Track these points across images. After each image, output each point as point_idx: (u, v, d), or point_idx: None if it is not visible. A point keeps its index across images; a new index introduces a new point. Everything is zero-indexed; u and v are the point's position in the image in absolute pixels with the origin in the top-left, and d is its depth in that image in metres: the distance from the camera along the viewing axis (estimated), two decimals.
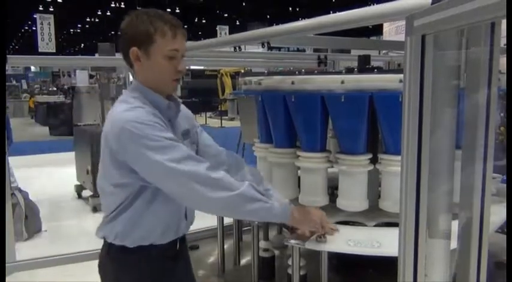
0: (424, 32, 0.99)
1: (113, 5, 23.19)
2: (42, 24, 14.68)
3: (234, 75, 13.12)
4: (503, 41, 1.09)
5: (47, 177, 7.77)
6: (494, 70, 1.08)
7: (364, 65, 2.25)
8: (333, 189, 2.23)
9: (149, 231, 1.61)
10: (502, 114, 1.96)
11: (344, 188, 2.02)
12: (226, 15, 25.30)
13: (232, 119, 14.49)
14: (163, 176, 1.48)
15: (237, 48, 2.81)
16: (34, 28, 19.83)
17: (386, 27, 9.43)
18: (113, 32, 31.58)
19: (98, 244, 1.73)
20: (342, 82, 1.88)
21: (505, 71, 1.03)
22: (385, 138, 1.95)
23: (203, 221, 1.86)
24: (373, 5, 1.92)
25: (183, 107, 1.78)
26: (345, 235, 1.82)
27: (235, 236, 2.56)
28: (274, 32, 2.37)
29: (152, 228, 1.61)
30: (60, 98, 16.16)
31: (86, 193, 6.42)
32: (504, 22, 0.77)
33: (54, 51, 14.74)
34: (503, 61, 1.09)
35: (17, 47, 37.91)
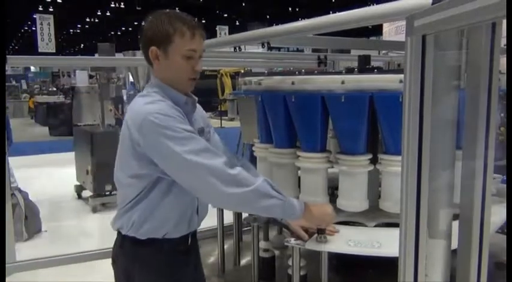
0: (425, 32, 0.99)
1: (112, 5, 23.19)
2: (42, 24, 14.67)
3: (234, 76, 13.13)
4: (503, 41, 1.09)
5: (47, 177, 7.77)
6: (494, 70, 1.08)
7: (365, 65, 2.25)
8: (333, 190, 2.23)
9: (163, 222, 1.65)
10: (502, 115, 1.97)
11: (344, 188, 2.02)
12: (226, 15, 25.31)
13: (232, 119, 14.50)
14: (180, 167, 1.52)
15: (237, 48, 2.81)
16: (34, 28, 19.80)
17: (386, 27, 9.43)
18: (112, 32, 31.63)
19: (97, 244, 1.74)
20: (342, 82, 1.88)
21: (505, 71, 1.03)
22: (386, 138, 1.95)
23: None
24: (373, 5, 1.92)
25: (198, 105, 1.83)
26: (345, 235, 1.82)
27: (235, 236, 2.55)
28: (274, 32, 2.37)
29: (166, 219, 1.65)
30: (60, 98, 16.15)
31: (86, 193, 6.42)
32: (504, 22, 0.77)
33: (54, 51, 14.74)
34: (503, 61, 1.09)
35: (16, 47, 37.91)
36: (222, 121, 13.35)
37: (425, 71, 1.02)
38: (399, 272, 1.12)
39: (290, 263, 1.92)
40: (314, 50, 4.28)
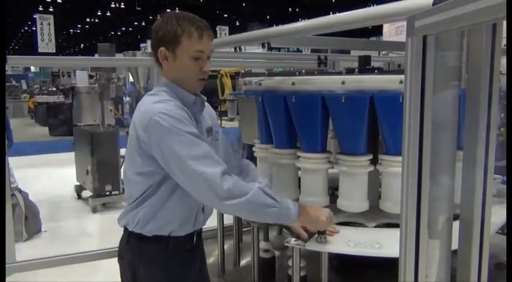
0: (425, 33, 0.99)
1: (112, 5, 23.19)
2: (42, 24, 14.68)
3: (234, 76, 13.13)
4: (503, 41, 1.09)
5: (47, 177, 7.77)
6: (495, 71, 1.08)
7: (365, 66, 2.25)
8: (333, 190, 2.23)
9: (168, 221, 1.68)
10: (502, 115, 1.97)
11: (344, 188, 2.02)
12: (226, 15, 25.31)
13: (232, 120, 14.50)
14: (180, 170, 1.55)
15: (237, 48, 2.81)
16: (34, 28, 19.82)
17: (386, 27, 9.43)
18: (112, 32, 31.63)
19: (97, 244, 1.74)
20: (343, 83, 1.88)
21: (505, 72, 1.03)
22: (386, 139, 1.95)
23: None
24: (374, 5, 1.92)
25: (207, 105, 1.85)
26: (346, 236, 1.82)
27: (235, 237, 2.56)
28: (274, 33, 2.37)
29: (171, 218, 1.68)
30: (60, 99, 16.15)
31: (86, 193, 6.42)
32: (504, 23, 0.77)
33: (54, 51, 14.75)
34: (503, 62, 1.09)
35: (16, 47, 37.91)
36: (222, 121, 13.36)
37: (426, 72, 1.02)
38: (399, 273, 1.13)
39: (290, 263, 1.92)
40: (314, 51, 4.28)
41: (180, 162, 1.52)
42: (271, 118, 2.21)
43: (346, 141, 2.01)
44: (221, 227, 2.52)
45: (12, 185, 4.43)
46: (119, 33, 32.96)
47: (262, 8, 23.94)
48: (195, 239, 1.78)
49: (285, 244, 1.83)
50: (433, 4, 1.14)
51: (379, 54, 5.63)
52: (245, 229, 2.63)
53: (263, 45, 2.49)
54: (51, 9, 22.11)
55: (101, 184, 5.95)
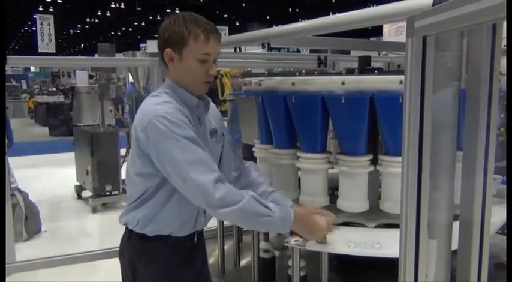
0: (425, 34, 0.99)
1: (112, 5, 23.18)
2: (42, 24, 14.69)
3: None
4: (503, 42, 1.09)
5: (47, 177, 7.77)
6: (495, 71, 1.08)
7: (365, 66, 2.25)
8: (333, 190, 2.23)
9: (167, 224, 1.69)
10: (502, 115, 1.97)
11: (344, 189, 2.02)
12: (226, 15, 25.30)
13: None
14: (175, 173, 1.56)
15: (237, 48, 2.81)
16: (34, 28, 19.81)
17: (386, 28, 9.43)
18: (112, 32, 31.63)
19: (97, 244, 1.74)
20: (343, 83, 1.88)
21: (505, 72, 1.03)
22: (386, 139, 1.95)
23: None
24: (373, 6, 1.92)
25: (213, 106, 1.85)
26: (346, 236, 1.82)
27: (235, 237, 2.55)
28: (274, 33, 2.37)
29: (171, 220, 1.69)
30: (60, 99, 16.15)
31: (86, 193, 6.42)
32: (504, 24, 0.77)
33: (54, 51, 14.75)
34: (503, 62, 1.09)
35: (16, 47, 37.90)
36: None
37: (426, 72, 1.02)
38: (399, 273, 1.13)
39: (290, 263, 1.93)
40: (314, 51, 4.28)
41: (175, 166, 1.53)
42: (271, 118, 2.21)
43: (346, 141, 2.01)
44: (221, 227, 2.52)
45: (12, 185, 4.43)
46: (119, 33, 32.95)
47: (262, 8, 23.93)
48: (195, 239, 1.79)
49: (285, 244, 1.82)
50: (433, 4, 1.14)
51: (379, 54, 5.63)
52: (245, 229, 2.63)
53: (263, 46, 2.49)
54: (51, 10, 22.09)
55: (101, 184, 5.95)
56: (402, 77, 1.17)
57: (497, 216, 1.74)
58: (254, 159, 2.46)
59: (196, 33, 1.60)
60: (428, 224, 1.09)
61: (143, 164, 1.62)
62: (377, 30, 13.06)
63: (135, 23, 28.40)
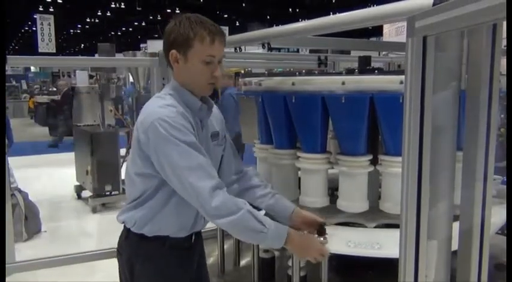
0: (426, 34, 0.99)
1: (112, 5, 23.18)
2: (42, 24, 14.70)
3: (234, 76, 13.13)
4: (503, 42, 1.09)
5: (47, 177, 7.75)
6: (495, 72, 1.08)
7: (365, 66, 2.25)
8: (333, 190, 2.23)
9: (166, 225, 1.69)
10: (502, 116, 1.97)
11: (344, 189, 2.02)
12: (226, 15, 25.30)
13: None
14: (173, 178, 1.57)
15: (237, 48, 2.81)
16: (34, 28, 19.82)
17: (386, 28, 9.44)
18: (112, 32, 31.63)
19: (97, 245, 1.74)
20: (343, 83, 1.88)
21: (505, 72, 1.03)
22: (386, 139, 1.95)
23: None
24: (374, 6, 1.92)
25: (216, 109, 1.85)
26: (345, 236, 1.82)
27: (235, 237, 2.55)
28: (274, 33, 2.37)
29: (170, 222, 1.69)
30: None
31: (86, 193, 6.41)
32: (504, 24, 0.77)
33: (54, 51, 14.75)
34: (503, 62, 1.09)
35: (16, 47, 37.89)
36: None
37: (426, 72, 1.02)
38: (399, 273, 1.13)
39: (290, 263, 1.93)
40: (314, 51, 4.28)
41: (174, 170, 1.55)
42: (271, 118, 2.21)
43: (346, 141, 2.01)
44: None
45: (12, 185, 4.43)
46: (119, 33, 32.93)
47: (262, 8, 23.92)
48: (193, 238, 1.79)
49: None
50: (433, 5, 1.14)
51: (379, 54, 5.62)
52: None
53: (263, 46, 2.49)
54: (51, 10, 22.09)
55: (101, 184, 5.94)
56: (402, 77, 1.17)
57: (497, 216, 1.75)
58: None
59: (201, 35, 1.60)
60: (428, 224, 1.09)
61: (144, 165, 1.63)
62: (377, 30, 13.06)
63: (135, 23, 28.39)
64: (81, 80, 8.31)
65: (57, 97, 15.79)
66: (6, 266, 2.43)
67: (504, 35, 0.96)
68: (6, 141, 3.68)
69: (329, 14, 2.22)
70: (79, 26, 31.22)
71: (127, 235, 1.75)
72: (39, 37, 14.67)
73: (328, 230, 1.83)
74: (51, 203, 6.30)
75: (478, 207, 1.13)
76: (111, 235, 1.84)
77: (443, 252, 1.16)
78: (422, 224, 1.08)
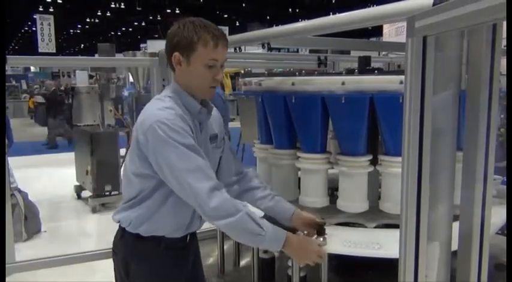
0: (426, 34, 0.99)
1: (112, 6, 23.17)
2: (42, 24, 14.70)
3: (234, 76, 13.13)
4: (503, 42, 1.09)
5: (47, 177, 7.76)
6: (495, 72, 1.08)
7: (365, 66, 2.25)
8: (333, 190, 2.23)
9: (162, 225, 1.70)
10: (502, 116, 1.96)
11: (344, 189, 2.02)
12: (226, 15, 25.30)
13: (232, 120, 14.50)
14: (172, 179, 1.58)
15: (237, 49, 2.81)
16: (34, 28, 19.81)
17: (386, 28, 9.43)
18: (112, 32, 31.62)
19: (97, 244, 1.75)
20: (343, 83, 1.88)
21: (505, 72, 1.03)
22: (386, 139, 1.95)
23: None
24: (374, 6, 1.92)
25: (215, 112, 1.86)
26: (344, 236, 1.82)
27: None
28: (274, 33, 2.37)
29: (166, 222, 1.70)
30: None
31: (86, 194, 6.41)
32: (504, 24, 0.77)
33: (54, 51, 14.75)
34: (503, 62, 1.09)
35: (16, 47, 37.88)
36: None
37: (426, 72, 1.02)
38: (399, 273, 1.12)
39: (290, 263, 1.92)
40: (314, 51, 4.28)
41: (172, 172, 1.56)
42: (271, 118, 2.21)
43: (346, 141, 2.01)
44: None
45: (12, 185, 4.42)
46: (119, 33, 32.93)
47: (262, 9, 23.92)
48: (188, 238, 1.79)
49: None
50: (433, 5, 1.14)
51: (379, 54, 5.62)
52: None
53: (263, 46, 2.49)
54: (51, 10, 22.08)
55: (101, 184, 5.94)
56: (402, 77, 1.17)
57: (497, 216, 1.74)
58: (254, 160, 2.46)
59: (205, 39, 1.61)
60: (428, 224, 1.09)
61: (142, 165, 1.64)
62: (377, 31, 13.05)
63: (135, 23, 28.39)
64: (81, 80, 8.32)
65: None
66: (6, 266, 2.43)
67: (504, 35, 0.96)
68: (6, 141, 3.68)
69: (329, 14, 2.21)
70: (79, 26, 31.21)
71: (122, 234, 1.75)
72: (39, 37, 14.68)
73: (328, 230, 1.83)
74: (51, 203, 6.30)
75: (478, 207, 1.13)
76: (110, 235, 1.84)
77: (443, 252, 1.16)
78: (422, 224, 1.08)
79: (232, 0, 22.31)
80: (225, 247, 2.51)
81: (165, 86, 1.83)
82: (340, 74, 2.21)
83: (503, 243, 1.77)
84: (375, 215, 2.04)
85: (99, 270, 3.45)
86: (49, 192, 6.71)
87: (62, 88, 13.23)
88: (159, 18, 24.39)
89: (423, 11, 1.01)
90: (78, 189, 6.58)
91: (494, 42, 1.07)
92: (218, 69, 1.67)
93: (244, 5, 23.20)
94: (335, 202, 2.06)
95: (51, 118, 11.57)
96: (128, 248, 1.75)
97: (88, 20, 28.41)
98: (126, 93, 8.46)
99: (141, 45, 21.57)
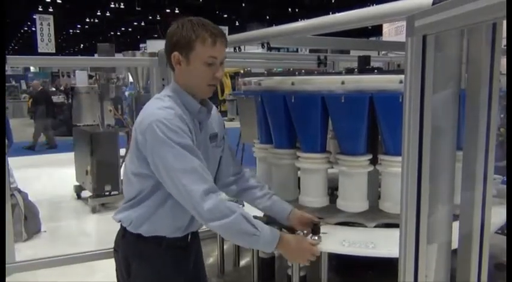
0: (425, 33, 0.99)
1: (112, 6, 23.19)
2: (41, 24, 14.71)
3: (234, 76, 13.14)
4: (503, 41, 1.09)
5: (47, 177, 7.76)
6: (495, 71, 1.08)
7: (364, 66, 2.25)
8: (332, 190, 2.23)
9: (162, 225, 1.70)
10: (502, 116, 1.96)
11: (344, 188, 2.02)
12: (225, 15, 25.30)
13: (231, 120, 14.50)
14: (168, 178, 1.58)
15: (237, 48, 2.80)
16: (34, 29, 19.80)
17: (386, 27, 9.44)
18: (112, 32, 31.63)
19: (97, 244, 1.75)
20: (342, 83, 1.88)
21: (505, 72, 1.03)
22: (385, 139, 1.94)
23: None
24: (373, 5, 1.92)
25: (215, 111, 1.87)
26: (341, 236, 1.82)
27: None
28: (274, 33, 2.36)
29: (165, 223, 1.70)
30: (60, 99, 16.13)
31: (85, 194, 6.42)
32: (504, 23, 0.77)
33: (54, 51, 14.76)
34: (503, 62, 1.09)
35: (16, 47, 37.88)
36: None
37: (426, 72, 1.02)
38: (399, 273, 1.12)
39: (290, 263, 1.92)
40: (313, 51, 4.27)
41: (168, 172, 1.56)
42: (271, 118, 2.20)
43: (346, 141, 2.01)
44: None
45: (11, 185, 4.43)
46: (118, 33, 32.94)
47: (262, 8, 23.94)
48: (189, 238, 1.80)
49: None
50: (433, 4, 1.13)
51: (378, 54, 5.62)
52: None
53: (262, 45, 2.49)
54: (51, 10, 22.08)
55: (101, 184, 5.95)
56: (402, 76, 1.17)
57: (497, 216, 1.74)
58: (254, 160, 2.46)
59: (203, 37, 1.62)
60: (428, 224, 1.09)
61: (140, 165, 1.64)
62: (377, 30, 13.06)
63: (135, 23, 28.41)
64: (81, 80, 8.33)
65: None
66: (6, 266, 2.43)
67: (504, 34, 0.95)
68: (6, 141, 3.68)
69: (329, 14, 2.21)
70: (78, 26, 31.23)
71: (123, 234, 1.76)
72: (39, 37, 14.68)
73: (326, 229, 1.84)
74: (50, 203, 6.31)
75: (478, 207, 1.13)
76: (110, 235, 1.84)
77: (443, 251, 1.16)
78: (422, 223, 1.07)
79: (231, 0, 22.31)
80: (224, 247, 2.51)
81: (165, 86, 1.83)
82: (339, 73, 2.21)
83: (503, 242, 1.76)
84: (375, 215, 2.03)
85: (99, 270, 3.45)
86: (49, 192, 6.71)
87: (62, 88, 13.24)
88: (158, 18, 24.40)
89: (423, 10, 1.01)
90: (78, 189, 6.58)
91: (494, 42, 1.06)
92: (217, 67, 1.67)
93: (243, 5, 23.21)
94: (335, 202, 2.06)
95: (37, 118, 11.52)
96: (130, 248, 1.75)
97: (87, 20, 28.42)
98: (126, 93, 8.47)
99: (141, 45, 21.59)
